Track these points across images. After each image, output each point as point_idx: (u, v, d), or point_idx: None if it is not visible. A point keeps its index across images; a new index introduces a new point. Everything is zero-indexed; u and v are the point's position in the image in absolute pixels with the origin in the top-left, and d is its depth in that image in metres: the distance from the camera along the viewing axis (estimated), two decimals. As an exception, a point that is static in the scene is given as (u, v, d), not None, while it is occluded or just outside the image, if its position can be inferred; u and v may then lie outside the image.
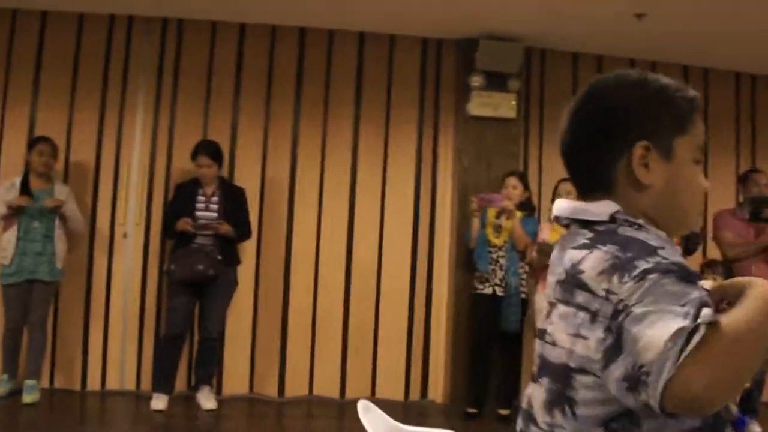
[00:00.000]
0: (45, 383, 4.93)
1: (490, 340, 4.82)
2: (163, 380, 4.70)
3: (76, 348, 5.10)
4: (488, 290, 4.80)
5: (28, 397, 4.62)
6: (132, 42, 5.31)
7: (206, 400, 4.75)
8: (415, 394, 5.31)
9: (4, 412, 4.58)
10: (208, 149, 4.84)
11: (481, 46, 5.23)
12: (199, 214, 4.77)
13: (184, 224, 4.68)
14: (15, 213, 4.65)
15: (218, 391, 5.07)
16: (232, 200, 4.88)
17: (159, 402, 4.62)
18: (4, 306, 4.73)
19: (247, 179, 5.19)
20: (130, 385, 5.08)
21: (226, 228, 4.74)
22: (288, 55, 5.42)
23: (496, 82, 5.32)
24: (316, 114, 5.39)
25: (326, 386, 5.24)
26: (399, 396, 5.26)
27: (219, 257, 4.71)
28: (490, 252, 4.83)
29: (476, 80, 5.30)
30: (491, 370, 4.83)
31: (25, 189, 4.70)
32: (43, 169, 4.79)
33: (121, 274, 5.16)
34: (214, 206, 4.82)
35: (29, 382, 4.67)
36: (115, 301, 5.13)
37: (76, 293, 5.10)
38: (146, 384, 4.98)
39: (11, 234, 4.68)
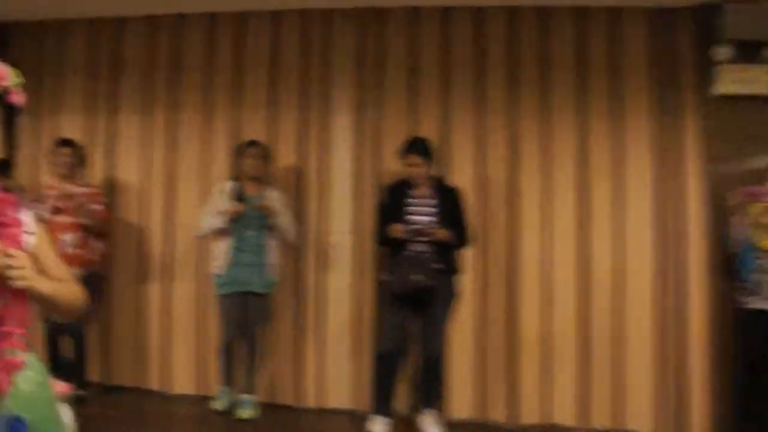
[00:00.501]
0: (262, 398, 4.85)
1: (764, 365, 4.14)
2: (380, 401, 4.44)
3: (292, 363, 5.01)
4: (758, 304, 4.12)
5: (244, 413, 4.58)
6: (331, 36, 5.12)
7: (430, 425, 4.44)
8: (668, 427, 4.69)
9: (220, 427, 4.54)
10: (417, 146, 4.50)
11: (727, 11, 4.52)
12: (412, 218, 4.44)
13: (396, 230, 4.36)
14: (229, 222, 4.57)
15: (444, 415, 4.75)
16: (448, 202, 4.50)
17: (377, 425, 4.38)
18: (220, 317, 4.69)
19: (461, 178, 4.82)
20: (348, 404, 4.92)
21: (443, 233, 4.36)
22: (498, 38, 4.98)
23: (747, 52, 4.60)
24: (533, 102, 4.92)
25: (565, 413, 4.76)
26: (648, 428, 4.67)
27: (437, 266, 4.35)
28: (758, 258, 4.14)
29: (723, 53, 4.60)
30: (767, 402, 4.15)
31: (237, 196, 4.62)
32: (255, 173, 4.69)
33: (333, 285, 4.99)
34: (429, 209, 4.47)
35: (245, 397, 4.65)
36: (329, 315, 4.98)
37: (288, 305, 5.00)
38: (366, 403, 4.76)
39: (224, 243, 4.62)
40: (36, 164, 5.48)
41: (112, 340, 5.33)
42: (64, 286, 1.69)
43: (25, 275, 1.52)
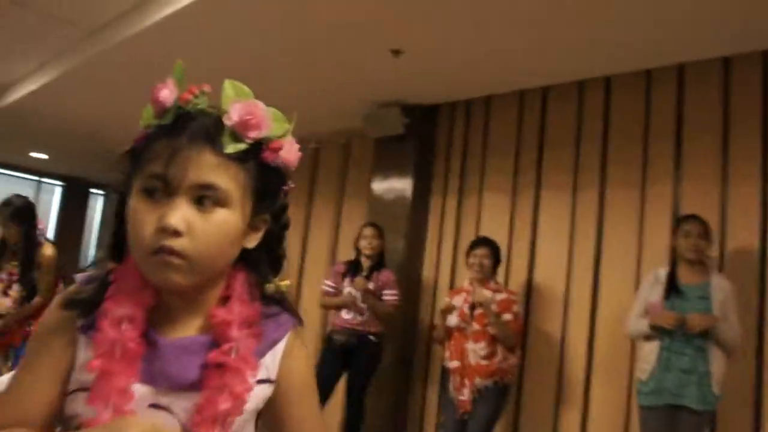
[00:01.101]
0: None
1: None
2: None
3: None
4: None
5: None
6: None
7: None
8: None
9: None
10: None
11: None
12: None
13: None
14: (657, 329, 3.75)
15: None
16: None
17: None
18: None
19: None
20: None
21: None
22: None
23: None
24: None
25: None
26: None
27: None
28: None
29: None
30: None
31: (672, 284, 3.78)
32: (694, 256, 3.79)
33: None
34: None
35: None
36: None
37: (740, 429, 3.88)
38: None
39: (653, 342, 3.78)
40: (457, 259, 5.42)
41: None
42: None
43: None
